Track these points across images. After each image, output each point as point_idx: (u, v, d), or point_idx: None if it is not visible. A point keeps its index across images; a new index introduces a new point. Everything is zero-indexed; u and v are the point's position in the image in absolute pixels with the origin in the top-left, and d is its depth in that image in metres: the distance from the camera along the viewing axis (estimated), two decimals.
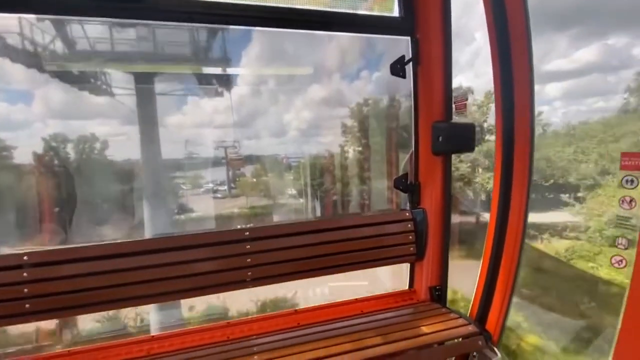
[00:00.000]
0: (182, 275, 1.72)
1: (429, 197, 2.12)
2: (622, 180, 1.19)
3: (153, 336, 1.76)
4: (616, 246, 1.20)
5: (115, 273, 1.63)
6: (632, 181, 1.18)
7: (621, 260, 1.20)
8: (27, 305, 1.52)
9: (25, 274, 1.52)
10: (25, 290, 1.52)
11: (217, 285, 1.78)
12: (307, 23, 1.94)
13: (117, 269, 1.63)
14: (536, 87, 1.62)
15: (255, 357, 1.60)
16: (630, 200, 1.18)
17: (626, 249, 1.18)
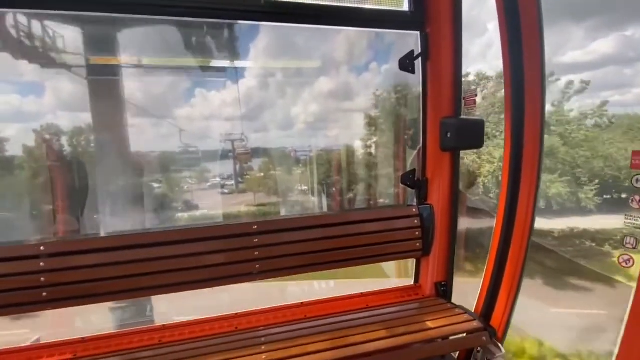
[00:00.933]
0: (192, 267, 1.76)
1: (436, 193, 2.12)
2: (632, 179, 1.18)
3: (164, 325, 1.82)
4: (624, 245, 1.19)
5: (127, 264, 1.68)
6: None
7: (629, 260, 1.20)
8: (44, 294, 1.58)
9: (42, 264, 1.59)
10: (43, 279, 1.58)
11: (226, 278, 1.82)
12: (315, 18, 1.93)
13: (128, 259, 1.68)
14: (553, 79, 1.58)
15: (263, 347, 1.65)
16: None
17: (634, 248, 1.18)
